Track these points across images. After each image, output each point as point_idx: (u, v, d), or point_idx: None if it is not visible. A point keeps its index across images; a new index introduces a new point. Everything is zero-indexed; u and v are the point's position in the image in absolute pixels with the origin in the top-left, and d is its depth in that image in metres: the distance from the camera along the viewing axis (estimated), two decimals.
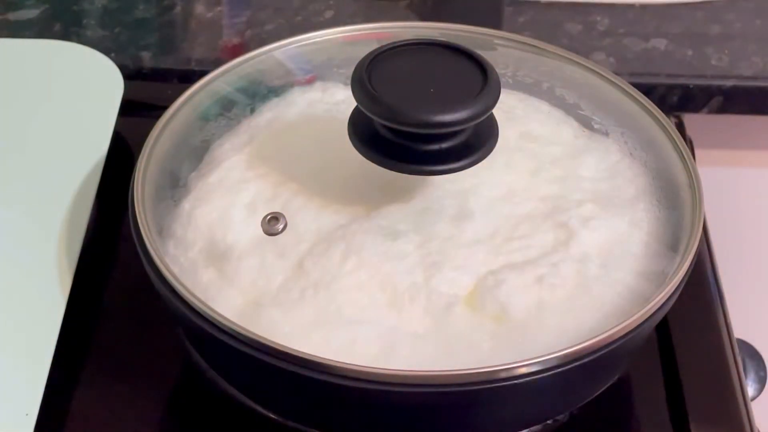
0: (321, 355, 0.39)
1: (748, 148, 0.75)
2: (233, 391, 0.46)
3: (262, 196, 0.46)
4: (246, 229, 0.45)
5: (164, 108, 0.50)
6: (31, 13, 0.72)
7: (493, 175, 0.47)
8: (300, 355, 0.39)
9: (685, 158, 0.48)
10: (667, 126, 0.49)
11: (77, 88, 0.62)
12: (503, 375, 0.39)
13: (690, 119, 0.67)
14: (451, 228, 0.45)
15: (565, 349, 0.39)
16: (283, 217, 0.45)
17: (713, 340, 0.52)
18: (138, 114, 0.59)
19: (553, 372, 0.39)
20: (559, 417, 0.46)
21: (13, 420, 0.45)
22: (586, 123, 0.51)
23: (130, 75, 0.64)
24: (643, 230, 0.46)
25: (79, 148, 0.57)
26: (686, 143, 0.49)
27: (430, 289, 0.43)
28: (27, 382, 0.46)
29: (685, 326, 0.51)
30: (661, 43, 0.69)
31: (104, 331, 0.51)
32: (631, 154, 0.49)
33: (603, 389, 0.45)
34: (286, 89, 0.52)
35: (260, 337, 0.40)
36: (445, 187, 0.46)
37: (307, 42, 0.54)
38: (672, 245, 0.45)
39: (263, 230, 0.44)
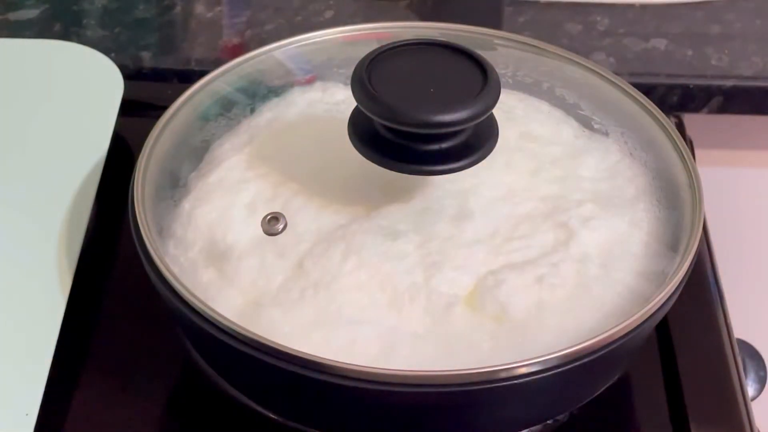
0: (321, 355, 0.39)
1: (748, 148, 0.75)
2: (233, 391, 0.46)
3: (262, 196, 0.46)
4: (246, 228, 0.45)
5: (164, 108, 0.50)
6: (31, 13, 0.72)
7: (493, 175, 0.47)
8: (300, 355, 0.39)
9: (685, 158, 0.48)
10: (667, 126, 0.49)
11: (77, 88, 0.62)
12: (503, 375, 0.39)
13: (690, 119, 0.67)
14: (451, 228, 0.45)
15: (565, 349, 0.39)
16: (283, 217, 0.45)
17: (713, 340, 0.52)
18: (138, 114, 0.59)
19: (552, 372, 0.39)
20: (559, 417, 0.46)
21: (13, 420, 0.45)
22: (586, 123, 0.51)
23: (130, 75, 0.64)
24: (643, 230, 0.46)
25: (79, 147, 0.57)
26: (686, 143, 0.49)
27: (430, 289, 0.43)
28: (27, 382, 0.46)
29: (685, 326, 0.51)
30: (661, 43, 0.69)
31: (104, 330, 0.51)
32: (631, 154, 0.49)
33: (603, 389, 0.45)
34: (286, 89, 0.52)
35: (260, 337, 0.40)
36: (445, 187, 0.46)
37: (307, 42, 0.54)
38: (672, 245, 0.45)
39: (263, 230, 0.44)
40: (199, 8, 0.73)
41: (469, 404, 0.41)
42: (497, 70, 0.44)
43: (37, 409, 0.45)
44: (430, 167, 0.43)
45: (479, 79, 0.43)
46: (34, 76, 0.63)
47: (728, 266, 0.59)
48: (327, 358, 0.39)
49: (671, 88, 0.67)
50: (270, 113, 0.51)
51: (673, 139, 0.49)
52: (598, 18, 0.71)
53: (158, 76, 0.68)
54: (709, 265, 0.56)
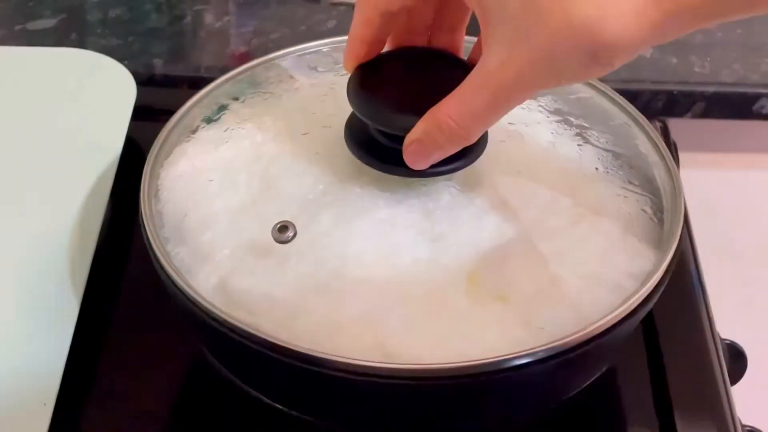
0: (316, 349, 0.38)
1: (730, 150, 0.75)
2: (242, 384, 0.45)
3: (243, 157, 0.46)
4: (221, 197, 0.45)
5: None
6: (48, 23, 0.72)
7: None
8: (302, 351, 0.38)
9: (663, 154, 0.47)
10: (646, 126, 0.49)
11: (92, 94, 0.62)
12: (489, 368, 0.39)
13: (674, 124, 0.67)
14: (455, 202, 0.44)
15: (551, 343, 0.39)
16: (293, 225, 0.44)
17: (696, 334, 0.52)
18: (150, 118, 0.59)
19: (540, 365, 0.39)
20: (547, 407, 0.46)
21: (31, 409, 0.45)
22: (567, 123, 0.50)
23: (142, 81, 0.64)
24: (629, 231, 0.45)
25: (93, 150, 0.57)
26: (671, 146, 0.49)
27: (431, 265, 0.42)
28: (45, 374, 0.46)
29: (670, 321, 0.51)
30: (647, 51, 0.69)
31: (118, 326, 0.51)
32: (612, 154, 0.49)
33: (590, 381, 0.45)
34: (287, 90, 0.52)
35: (265, 334, 0.39)
36: None
37: (309, 50, 0.54)
38: (656, 244, 0.45)
39: (273, 239, 0.44)
40: (209, 18, 0.73)
41: (451, 397, 0.41)
42: None
43: (54, 400, 0.45)
44: (426, 170, 0.43)
45: None
46: (51, 82, 0.63)
47: (711, 264, 0.59)
48: (325, 352, 0.38)
49: (656, 93, 0.67)
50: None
51: (651, 136, 0.48)
52: None
53: (169, 82, 0.68)
54: (692, 263, 0.56)
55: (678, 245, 0.43)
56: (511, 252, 0.43)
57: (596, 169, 0.48)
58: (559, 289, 0.42)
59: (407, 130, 0.41)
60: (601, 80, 0.52)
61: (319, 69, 0.53)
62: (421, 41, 0.45)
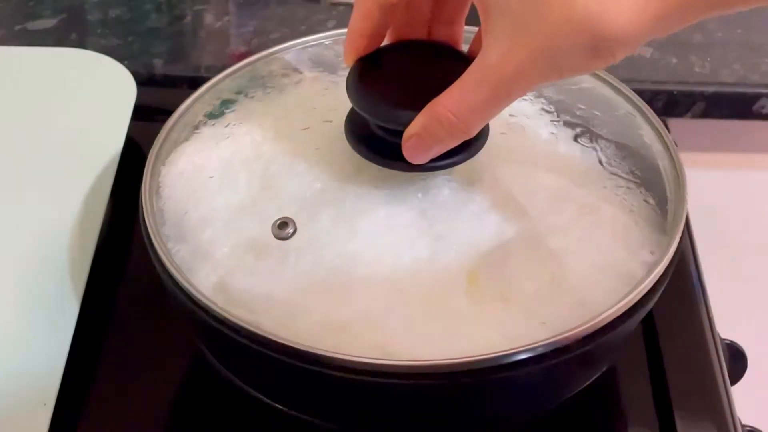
0: (315, 346, 0.38)
1: (729, 150, 0.75)
2: (241, 384, 0.45)
3: (241, 155, 0.46)
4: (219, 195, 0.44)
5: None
6: (48, 23, 0.72)
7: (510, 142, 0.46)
8: (312, 352, 0.38)
9: (666, 144, 0.47)
10: (651, 118, 0.48)
11: (92, 94, 0.62)
12: (489, 365, 0.38)
13: (674, 123, 0.67)
14: (455, 199, 0.44)
15: (549, 338, 0.39)
16: (293, 221, 0.44)
17: (696, 334, 0.52)
18: (150, 118, 0.59)
19: (541, 364, 0.39)
20: (547, 407, 0.46)
21: (31, 409, 0.45)
22: (570, 114, 0.50)
23: (142, 81, 0.64)
24: (632, 225, 0.45)
25: (93, 150, 0.57)
26: None
27: (431, 264, 0.42)
28: (45, 374, 0.46)
29: (669, 321, 0.51)
30: (647, 51, 0.69)
31: (118, 325, 0.51)
32: (616, 145, 0.48)
33: (590, 381, 0.45)
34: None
35: (271, 335, 0.39)
36: None
37: (310, 44, 0.53)
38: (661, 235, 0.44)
39: (273, 235, 0.44)
40: (209, 18, 0.73)
41: (451, 397, 0.41)
42: None
43: (54, 400, 0.45)
44: (426, 164, 0.42)
45: None
46: (51, 82, 0.63)
47: (711, 264, 0.59)
48: (324, 349, 0.38)
49: (656, 93, 0.67)
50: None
51: (657, 128, 0.48)
52: None
53: (169, 82, 0.68)
54: (692, 263, 0.56)
55: (682, 234, 0.43)
56: (511, 251, 0.43)
57: (599, 160, 0.47)
58: (561, 288, 0.42)
59: (406, 124, 0.41)
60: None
61: (321, 62, 0.52)
62: (420, 34, 0.45)
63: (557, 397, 0.45)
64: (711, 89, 0.67)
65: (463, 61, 0.42)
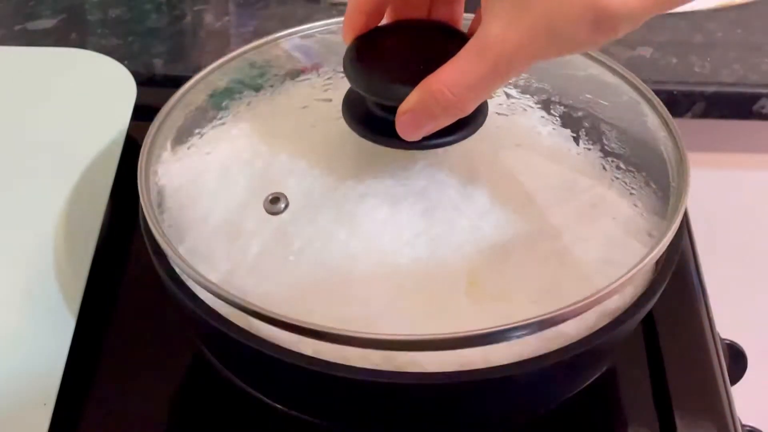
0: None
1: (729, 150, 0.74)
2: (241, 383, 0.45)
3: (240, 157, 0.46)
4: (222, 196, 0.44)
5: None
6: (48, 23, 0.72)
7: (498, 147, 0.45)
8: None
9: (671, 129, 0.46)
10: (651, 98, 0.48)
11: (92, 93, 0.62)
12: (489, 365, 0.38)
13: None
14: (455, 197, 0.43)
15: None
16: (285, 197, 0.43)
17: (696, 334, 0.52)
18: (150, 118, 0.59)
19: (539, 365, 0.39)
20: (547, 407, 0.46)
21: (31, 409, 0.45)
22: (571, 106, 0.49)
23: (142, 81, 0.64)
24: (634, 220, 0.44)
25: (93, 150, 0.57)
26: None
27: (431, 264, 0.41)
28: (45, 374, 0.46)
29: (669, 321, 0.51)
30: (647, 51, 0.69)
31: (118, 326, 0.51)
32: (619, 136, 0.48)
33: (590, 381, 0.45)
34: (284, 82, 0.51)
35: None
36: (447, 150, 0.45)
37: (310, 31, 0.53)
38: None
39: (265, 209, 0.43)
40: (208, 18, 0.73)
41: (451, 398, 0.41)
42: None
43: (54, 400, 0.45)
44: (422, 142, 0.41)
45: None
46: (51, 81, 0.63)
47: (711, 264, 0.59)
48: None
49: (656, 93, 0.66)
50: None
51: (656, 108, 0.47)
52: None
53: (169, 82, 0.68)
54: (692, 263, 0.56)
55: (682, 227, 0.42)
56: (511, 250, 0.43)
57: (602, 151, 0.47)
58: (561, 287, 0.42)
59: (401, 100, 0.40)
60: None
61: (321, 51, 0.52)
62: (420, 14, 0.44)
63: (557, 397, 0.45)
64: (711, 89, 0.67)
65: (463, 40, 0.41)
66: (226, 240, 0.44)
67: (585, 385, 0.45)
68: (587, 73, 0.50)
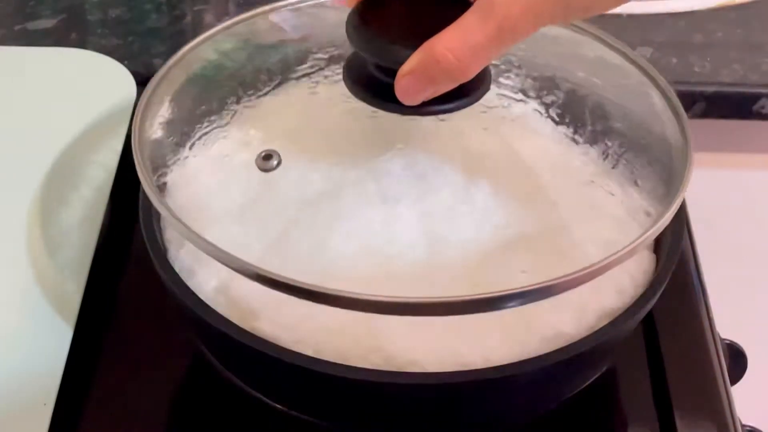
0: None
1: (730, 150, 0.74)
2: (240, 382, 0.45)
3: (242, 154, 0.45)
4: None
5: None
6: (48, 23, 0.72)
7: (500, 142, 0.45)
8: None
9: (677, 111, 0.46)
10: (656, 78, 0.47)
11: (92, 93, 0.62)
12: (489, 366, 0.38)
13: None
14: (454, 195, 0.43)
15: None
16: (277, 154, 0.43)
17: (696, 334, 0.52)
18: None
19: (540, 365, 0.39)
20: (547, 407, 0.46)
21: (31, 409, 0.45)
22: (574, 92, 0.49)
23: (142, 81, 0.63)
24: (635, 217, 0.44)
25: (93, 149, 0.57)
26: None
27: (429, 262, 0.41)
28: (45, 374, 0.46)
29: (669, 321, 0.51)
30: (646, 51, 0.69)
31: (118, 326, 0.51)
32: (623, 124, 0.48)
33: (590, 381, 0.45)
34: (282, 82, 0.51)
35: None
36: (447, 144, 0.44)
37: (302, 4, 0.51)
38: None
39: (257, 166, 0.42)
40: (208, 18, 0.73)
41: (451, 399, 0.41)
42: None
43: (54, 400, 0.45)
44: (422, 108, 0.41)
45: None
46: (51, 81, 0.63)
47: (711, 264, 0.59)
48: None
49: None
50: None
51: (659, 86, 0.47)
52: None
53: None
54: (692, 263, 0.56)
55: (682, 209, 0.42)
56: (512, 251, 0.43)
57: (605, 142, 0.47)
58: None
59: (402, 62, 0.39)
60: None
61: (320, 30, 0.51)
62: None
63: (557, 397, 0.45)
64: (711, 89, 0.67)
65: (468, 3, 0.40)
66: (226, 241, 0.44)
67: (585, 385, 0.45)
68: (595, 55, 0.49)
